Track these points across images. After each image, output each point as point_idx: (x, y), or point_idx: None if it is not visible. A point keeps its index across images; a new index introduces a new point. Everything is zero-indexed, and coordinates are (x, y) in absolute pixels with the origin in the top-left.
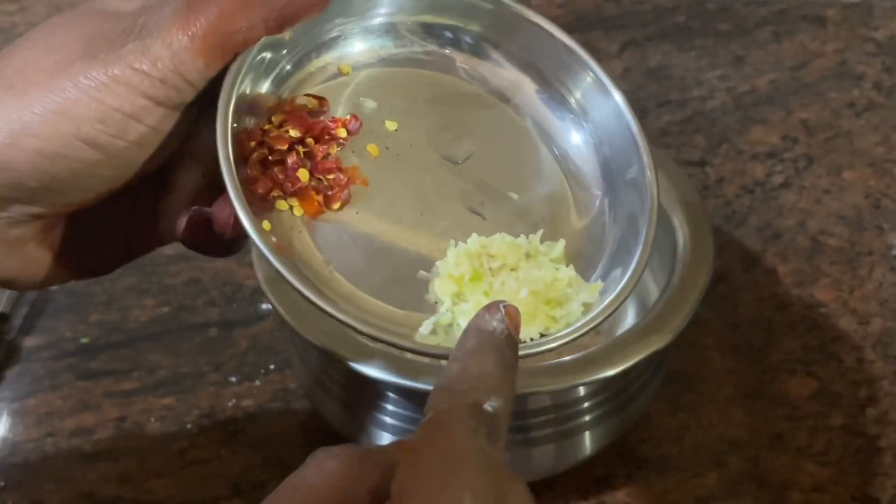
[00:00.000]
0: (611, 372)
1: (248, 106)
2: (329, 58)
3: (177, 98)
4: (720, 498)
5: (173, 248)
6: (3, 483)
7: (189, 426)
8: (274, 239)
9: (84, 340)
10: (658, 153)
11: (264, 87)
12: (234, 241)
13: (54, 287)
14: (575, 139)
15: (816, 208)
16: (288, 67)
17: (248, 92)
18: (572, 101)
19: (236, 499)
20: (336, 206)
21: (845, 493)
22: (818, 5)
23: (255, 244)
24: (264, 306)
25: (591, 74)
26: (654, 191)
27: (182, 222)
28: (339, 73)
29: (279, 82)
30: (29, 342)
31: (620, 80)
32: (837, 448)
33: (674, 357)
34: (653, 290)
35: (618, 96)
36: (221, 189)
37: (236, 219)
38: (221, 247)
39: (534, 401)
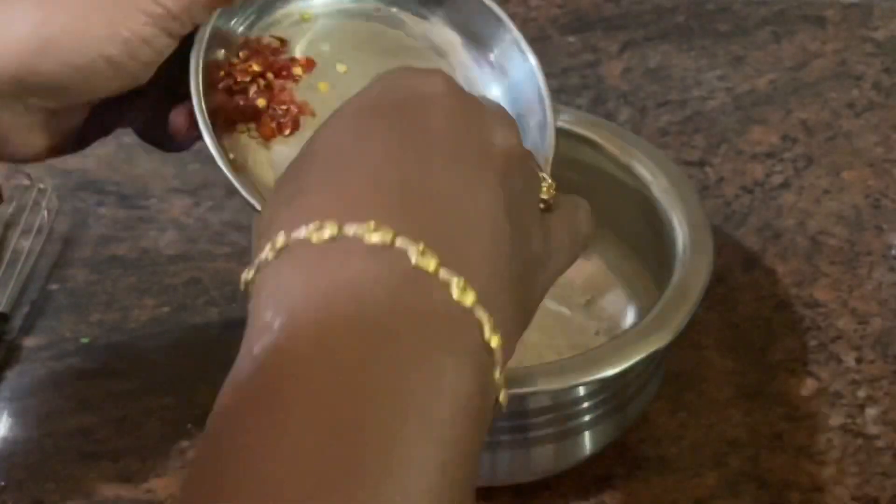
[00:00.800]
0: (610, 372)
1: (220, 41)
2: (294, 7)
3: (181, 31)
4: (720, 498)
5: (173, 249)
6: (3, 483)
7: (189, 426)
8: (231, 155)
9: (84, 340)
10: (658, 153)
11: (237, 27)
12: (182, 144)
13: (54, 287)
14: (494, 92)
15: (816, 208)
16: (257, 13)
17: (221, 29)
18: (493, 58)
19: None
20: (287, 132)
21: (845, 492)
22: (818, 5)
23: (212, 153)
24: None
25: (511, 36)
26: (552, 141)
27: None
28: (301, 20)
29: (249, 25)
30: (29, 342)
31: (620, 80)
32: (837, 448)
33: (674, 357)
34: (653, 291)
35: (532, 59)
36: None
37: (191, 125)
38: (171, 145)
39: (534, 401)
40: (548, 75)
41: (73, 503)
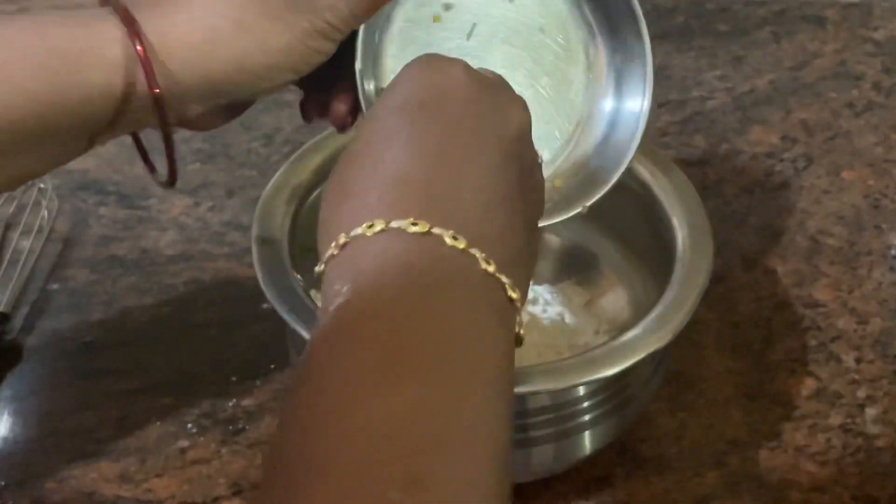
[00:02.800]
0: (610, 372)
1: None
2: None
3: (342, 38)
4: (720, 498)
5: (173, 249)
6: (3, 483)
7: (189, 426)
8: None
9: (84, 340)
10: (658, 153)
11: None
12: (342, 126)
13: (55, 287)
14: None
15: (816, 208)
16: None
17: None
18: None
19: (236, 499)
20: None
21: (845, 492)
22: (818, 5)
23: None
24: (264, 306)
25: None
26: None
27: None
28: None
29: None
30: (30, 342)
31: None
32: (837, 448)
33: (674, 357)
34: (653, 291)
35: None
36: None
37: (351, 111)
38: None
39: (534, 401)
40: None
41: (73, 503)
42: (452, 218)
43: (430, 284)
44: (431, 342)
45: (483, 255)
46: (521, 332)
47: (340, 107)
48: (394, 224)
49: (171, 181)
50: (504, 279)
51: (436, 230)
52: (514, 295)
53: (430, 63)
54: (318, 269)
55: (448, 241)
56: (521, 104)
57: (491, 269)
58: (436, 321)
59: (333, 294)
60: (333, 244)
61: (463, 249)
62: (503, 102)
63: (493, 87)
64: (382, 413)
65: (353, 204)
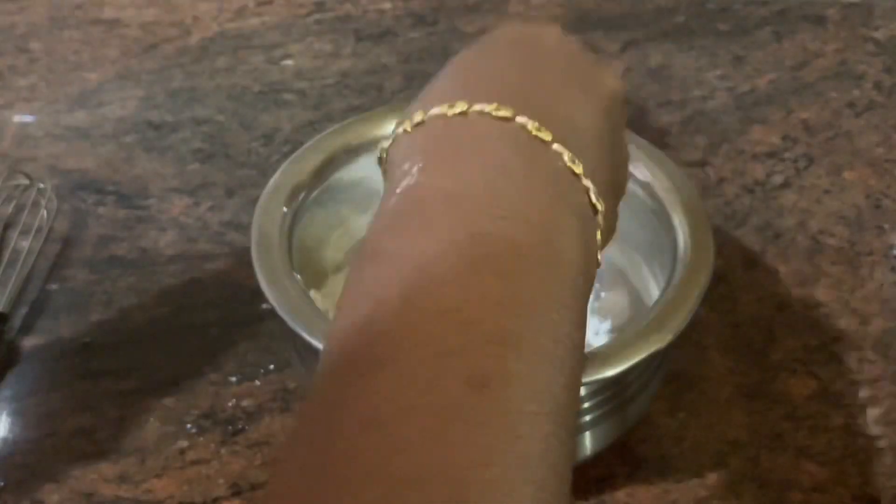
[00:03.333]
0: (611, 372)
1: None
2: None
3: None
4: (720, 498)
5: (173, 249)
6: (3, 483)
7: (189, 426)
8: None
9: (84, 340)
10: (658, 153)
11: None
12: None
13: (54, 287)
14: None
15: (817, 208)
16: None
17: None
18: None
19: (236, 499)
20: None
21: (845, 493)
22: (818, 5)
23: None
24: (264, 306)
25: None
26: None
27: None
28: None
29: None
30: (29, 342)
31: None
32: (837, 448)
33: (674, 357)
34: (653, 290)
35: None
36: None
37: None
38: None
39: None
40: None
41: (73, 503)
42: (539, 116)
43: (509, 172)
44: (509, 233)
45: (570, 154)
46: (601, 256)
47: None
48: (476, 107)
49: None
50: (590, 184)
51: (520, 118)
52: (598, 205)
53: (522, 23)
54: (382, 145)
55: (532, 130)
56: (618, 76)
57: (578, 169)
58: (514, 211)
59: (400, 175)
60: (407, 121)
61: (548, 142)
62: (598, 65)
63: (588, 51)
64: (455, 303)
65: (435, 86)
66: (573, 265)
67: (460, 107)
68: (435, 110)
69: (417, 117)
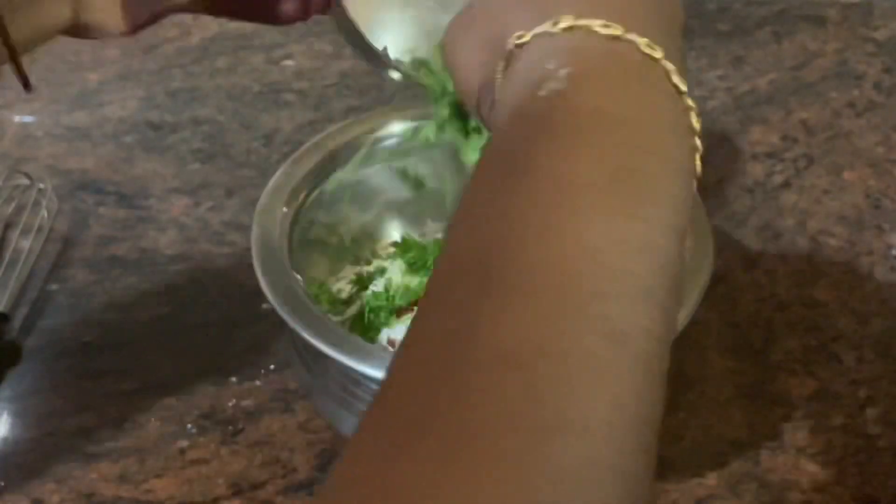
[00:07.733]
0: None
1: None
2: None
3: None
4: (720, 498)
5: (173, 249)
6: (3, 483)
7: (189, 426)
8: None
9: (84, 340)
10: None
11: None
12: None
13: (54, 287)
14: None
15: (816, 208)
16: None
17: None
18: None
19: (236, 499)
20: None
21: (845, 493)
22: (818, 5)
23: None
24: (264, 306)
25: None
26: None
27: None
28: None
29: None
30: (29, 342)
31: None
32: (837, 448)
33: (674, 357)
34: None
35: None
36: None
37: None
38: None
39: None
40: None
41: (73, 503)
42: (642, 31)
43: (636, 96)
44: (651, 168)
45: (675, 71)
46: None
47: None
48: (582, 21)
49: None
50: (690, 102)
51: (630, 35)
52: (696, 125)
53: None
54: (516, 38)
55: (644, 48)
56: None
57: (683, 87)
58: (650, 143)
59: (545, 73)
60: (550, 22)
61: (659, 59)
62: None
63: None
64: (604, 244)
65: (524, 6)
66: (687, 208)
67: (566, 21)
68: (540, 28)
69: (566, 21)
